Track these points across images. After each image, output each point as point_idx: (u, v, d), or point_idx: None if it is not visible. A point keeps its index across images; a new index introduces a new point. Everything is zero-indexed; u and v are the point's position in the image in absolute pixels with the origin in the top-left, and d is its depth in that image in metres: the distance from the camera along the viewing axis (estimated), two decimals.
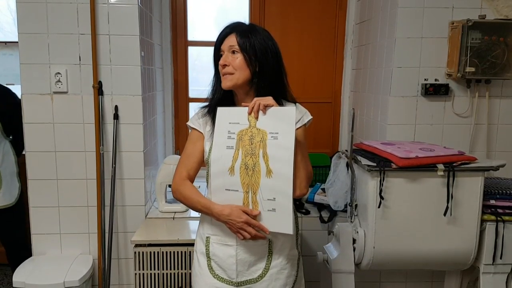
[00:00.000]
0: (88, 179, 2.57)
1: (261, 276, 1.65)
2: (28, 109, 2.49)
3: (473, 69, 2.45)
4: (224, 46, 1.63)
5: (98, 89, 2.49)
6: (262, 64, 1.62)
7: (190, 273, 2.31)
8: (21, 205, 2.83)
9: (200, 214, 1.76)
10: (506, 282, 2.28)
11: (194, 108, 3.34)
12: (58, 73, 2.47)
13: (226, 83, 1.63)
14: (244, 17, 3.31)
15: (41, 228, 2.60)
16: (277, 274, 1.66)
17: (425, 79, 2.58)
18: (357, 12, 3.22)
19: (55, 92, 2.49)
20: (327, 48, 3.35)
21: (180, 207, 2.71)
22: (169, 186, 2.73)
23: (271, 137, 1.53)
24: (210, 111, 1.69)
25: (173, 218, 2.65)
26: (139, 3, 2.47)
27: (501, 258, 2.23)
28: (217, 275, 1.67)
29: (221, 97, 1.69)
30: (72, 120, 2.52)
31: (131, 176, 2.60)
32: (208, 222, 1.70)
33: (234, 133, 1.58)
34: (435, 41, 2.55)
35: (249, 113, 1.56)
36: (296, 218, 1.76)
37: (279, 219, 1.53)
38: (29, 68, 2.46)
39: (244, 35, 1.60)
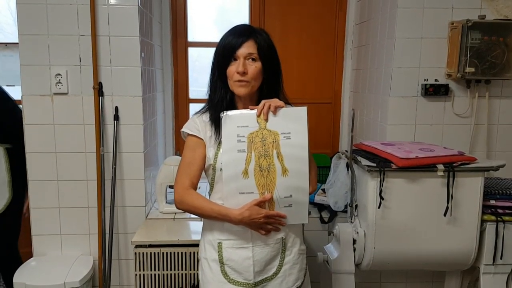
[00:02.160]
0: (89, 180, 2.57)
1: (275, 273, 1.67)
2: (29, 110, 2.50)
3: (472, 69, 2.45)
4: (242, 53, 1.59)
5: (98, 90, 2.49)
6: (273, 72, 1.65)
7: (190, 274, 2.33)
8: (10, 216, 2.65)
9: (203, 220, 1.75)
10: (507, 282, 2.28)
11: (194, 109, 3.35)
12: (59, 74, 2.47)
13: (243, 91, 1.61)
14: (244, 17, 3.31)
15: (42, 229, 2.60)
16: (290, 269, 1.69)
17: (425, 80, 2.58)
18: (357, 13, 3.22)
19: (55, 93, 2.49)
20: (327, 49, 3.35)
21: None
22: (170, 187, 2.75)
23: (284, 137, 1.56)
24: (212, 116, 1.67)
25: (174, 219, 2.65)
26: (139, 4, 2.47)
27: (501, 258, 2.23)
28: (232, 279, 1.65)
29: (223, 101, 1.68)
30: (73, 121, 2.52)
31: (132, 177, 2.60)
32: (218, 228, 1.68)
33: (244, 136, 1.58)
34: (434, 41, 2.55)
35: (258, 115, 1.57)
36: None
37: (295, 212, 1.61)
38: (29, 69, 2.46)
39: (263, 44, 1.62)
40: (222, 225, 1.66)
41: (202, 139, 1.68)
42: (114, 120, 2.53)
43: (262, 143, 1.57)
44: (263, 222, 1.58)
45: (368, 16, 2.97)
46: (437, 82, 2.58)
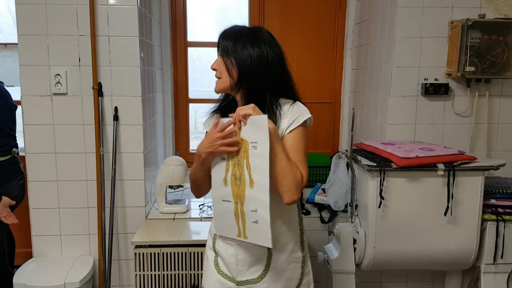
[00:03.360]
0: (88, 180, 2.57)
1: (261, 277, 1.64)
2: (28, 110, 2.49)
3: (473, 69, 2.44)
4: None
5: (98, 90, 2.49)
6: (241, 70, 1.58)
7: (191, 274, 2.33)
8: None
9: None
10: (507, 281, 2.27)
11: (194, 109, 3.35)
12: (58, 74, 2.47)
13: (215, 88, 1.65)
14: (243, 17, 3.31)
15: (42, 229, 2.60)
16: (276, 275, 1.64)
17: (425, 79, 2.58)
18: (356, 12, 3.22)
19: (54, 94, 2.49)
20: (327, 48, 3.35)
21: (180, 208, 2.71)
22: (170, 187, 2.75)
23: (252, 146, 1.49)
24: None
25: (173, 219, 2.64)
26: (138, 4, 2.46)
27: (502, 257, 2.23)
28: (222, 271, 1.69)
29: (227, 100, 1.70)
30: (72, 121, 2.52)
31: (131, 177, 2.60)
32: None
33: None
34: (434, 40, 2.55)
35: (233, 124, 1.52)
36: (301, 220, 1.74)
37: (260, 231, 1.49)
38: (29, 69, 2.46)
39: (226, 40, 1.59)
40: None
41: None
42: (114, 120, 2.52)
43: (237, 152, 1.53)
44: (216, 138, 1.51)
45: (368, 16, 2.97)
46: (437, 82, 2.57)
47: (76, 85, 2.50)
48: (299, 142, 1.58)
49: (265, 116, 1.46)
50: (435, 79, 2.58)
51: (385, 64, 2.66)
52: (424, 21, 2.53)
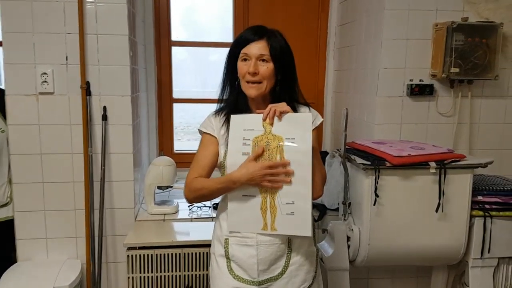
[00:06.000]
0: (75, 181, 2.50)
1: (281, 274, 1.66)
2: (13, 110, 2.41)
3: (457, 70, 2.52)
4: (252, 51, 1.61)
5: (86, 90, 2.43)
6: (286, 73, 1.65)
7: (184, 275, 2.30)
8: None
9: (216, 215, 1.78)
10: (493, 275, 2.36)
11: (182, 108, 3.31)
12: (44, 73, 2.39)
13: (253, 92, 1.63)
14: (228, 18, 3.30)
15: (27, 233, 2.51)
16: (296, 270, 1.67)
17: (410, 80, 2.64)
18: (339, 14, 3.27)
19: (40, 93, 2.41)
20: (310, 50, 3.38)
21: (169, 209, 2.68)
22: (159, 188, 2.71)
23: (288, 142, 1.55)
24: (225, 116, 1.69)
25: (163, 220, 2.61)
26: (127, 1, 2.42)
27: (488, 252, 2.31)
28: (238, 275, 1.67)
29: (236, 100, 1.71)
30: (59, 121, 2.45)
31: (120, 178, 2.55)
32: (225, 224, 1.69)
33: (249, 139, 1.58)
34: (419, 42, 2.62)
35: (264, 120, 1.56)
36: (313, 215, 1.79)
37: (297, 222, 1.55)
38: (14, 68, 2.38)
39: (276, 44, 1.62)
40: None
41: (215, 137, 1.70)
42: (103, 120, 2.47)
43: (266, 148, 1.56)
44: (263, 175, 1.53)
45: (352, 18, 3.02)
46: (422, 82, 2.64)
47: (63, 84, 2.43)
48: (316, 142, 1.66)
49: (310, 115, 1.58)
50: (420, 80, 2.65)
51: (372, 65, 2.71)
52: (409, 23, 2.60)
